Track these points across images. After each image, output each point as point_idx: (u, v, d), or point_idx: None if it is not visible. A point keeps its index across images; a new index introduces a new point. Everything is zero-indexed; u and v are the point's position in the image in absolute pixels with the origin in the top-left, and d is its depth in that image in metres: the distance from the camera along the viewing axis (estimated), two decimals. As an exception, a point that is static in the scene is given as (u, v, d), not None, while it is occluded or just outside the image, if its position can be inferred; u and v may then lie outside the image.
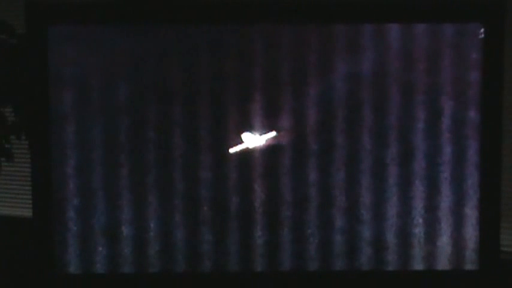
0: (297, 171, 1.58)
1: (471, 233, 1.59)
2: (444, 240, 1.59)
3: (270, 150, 1.57)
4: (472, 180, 1.57)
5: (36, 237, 1.59)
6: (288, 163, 1.58)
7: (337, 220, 1.59)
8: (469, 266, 1.60)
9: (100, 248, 1.60)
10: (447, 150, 1.57)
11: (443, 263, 1.60)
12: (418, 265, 1.60)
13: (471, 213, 1.58)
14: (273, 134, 1.58)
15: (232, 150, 1.58)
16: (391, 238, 1.59)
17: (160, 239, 1.60)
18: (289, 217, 1.59)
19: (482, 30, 1.54)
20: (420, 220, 1.59)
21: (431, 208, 1.59)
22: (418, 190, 1.58)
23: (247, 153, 1.58)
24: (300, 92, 1.56)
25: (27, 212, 1.66)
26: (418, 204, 1.59)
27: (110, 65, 1.56)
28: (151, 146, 1.58)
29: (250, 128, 1.57)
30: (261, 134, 1.58)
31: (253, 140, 1.58)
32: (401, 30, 1.55)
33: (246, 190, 1.58)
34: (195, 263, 1.61)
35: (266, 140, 1.58)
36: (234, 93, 1.57)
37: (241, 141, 1.58)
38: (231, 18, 1.57)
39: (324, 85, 1.56)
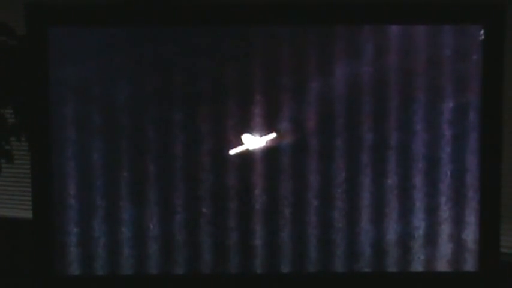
0: (297, 172, 1.58)
1: (471, 234, 1.59)
2: (444, 242, 1.59)
3: (270, 151, 1.57)
4: (471, 182, 1.57)
5: (36, 239, 1.59)
6: (288, 164, 1.58)
7: (336, 222, 1.59)
8: (469, 268, 1.60)
9: (99, 250, 1.60)
10: (447, 152, 1.57)
11: (443, 265, 1.60)
12: (418, 267, 1.60)
13: (471, 214, 1.58)
14: (273, 135, 1.58)
15: (232, 152, 1.58)
16: (391, 240, 1.59)
17: (160, 241, 1.60)
18: (289, 218, 1.59)
19: (482, 31, 1.55)
20: (420, 222, 1.59)
21: (431, 210, 1.59)
22: (418, 192, 1.58)
23: (247, 154, 1.58)
24: (299, 94, 1.56)
25: (27, 214, 1.66)
26: (418, 206, 1.59)
27: (110, 66, 1.56)
28: (151, 147, 1.58)
29: (250, 130, 1.57)
30: (261, 136, 1.58)
31: (253, 142, 1.58)
32: (401, 32, 1.56)
33: (246, 191, 1.58)
34: (196, 264, 1.61)
35: (266, 142, 1.58)
36: (234, 95, 1.57)
37: (241, 143, 1.58)
38: (231, 21, 1.57)
39: (324, 87, 1.56)
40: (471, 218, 1.58)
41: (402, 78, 1.56)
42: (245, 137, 1.57)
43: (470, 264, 1.60)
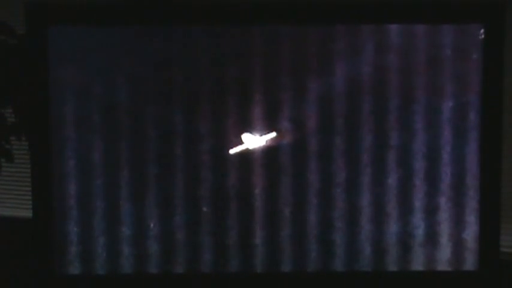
0: (297, 171, 1.58)
1: (471, 234, 1.59)
2: (444, 241, 1.60)
3: (270, 150, 1.58)
4: (472, 182, 1.58)
5: (35, 239, 1.59)
6: (288, 163, 1.58)
7: (336, 221, 1.59)
8: (469, 267, 1.60)
9: (99, 249, 1.60)
10: (447, 151, 1.57)
11: (443, 264, 1.60)
12: (418, 266, 1.60)
13: (471, 214, 1.58)
14: (273, 134, 1.58)
15: (232, 151, 1.58)
16: (391, 239, 1.59)
17: (160, 240, 1.60)
18: (289, 217, 1.59)
19: (482, 30, 1.55)
20: (420, 221, 1.59)
21: (431, 209, 1.59)
22: (418, 191, 1.58)
23: (247, 154, 1.58)
24: (299, 94, 1.56)
25: (27, 213, 1.66)
26: (418, 205, 1.59)
27: (110, 66, 1.56)
28: (151, 146, 1.58)
29: (250, 129, 1.57)
30: (261, 135, 1.58)
31: (253, 141, 1.58)
32: (400, 32, 1.56)
33: (246, 190, 1.59)
34: (196, 264, 1.61)
35: (266, 141, 1.58)
36: (234, 94, 1.57)
37: (241, 142, 1.58)
38: (231, 20, 1.57)
39: (324, 86, 1.56)
40: (471, 218, 1.58)
41: (402, 78, 1.56)
42: (245, 136, 1.57)
43: (470, 263, 1.60)
